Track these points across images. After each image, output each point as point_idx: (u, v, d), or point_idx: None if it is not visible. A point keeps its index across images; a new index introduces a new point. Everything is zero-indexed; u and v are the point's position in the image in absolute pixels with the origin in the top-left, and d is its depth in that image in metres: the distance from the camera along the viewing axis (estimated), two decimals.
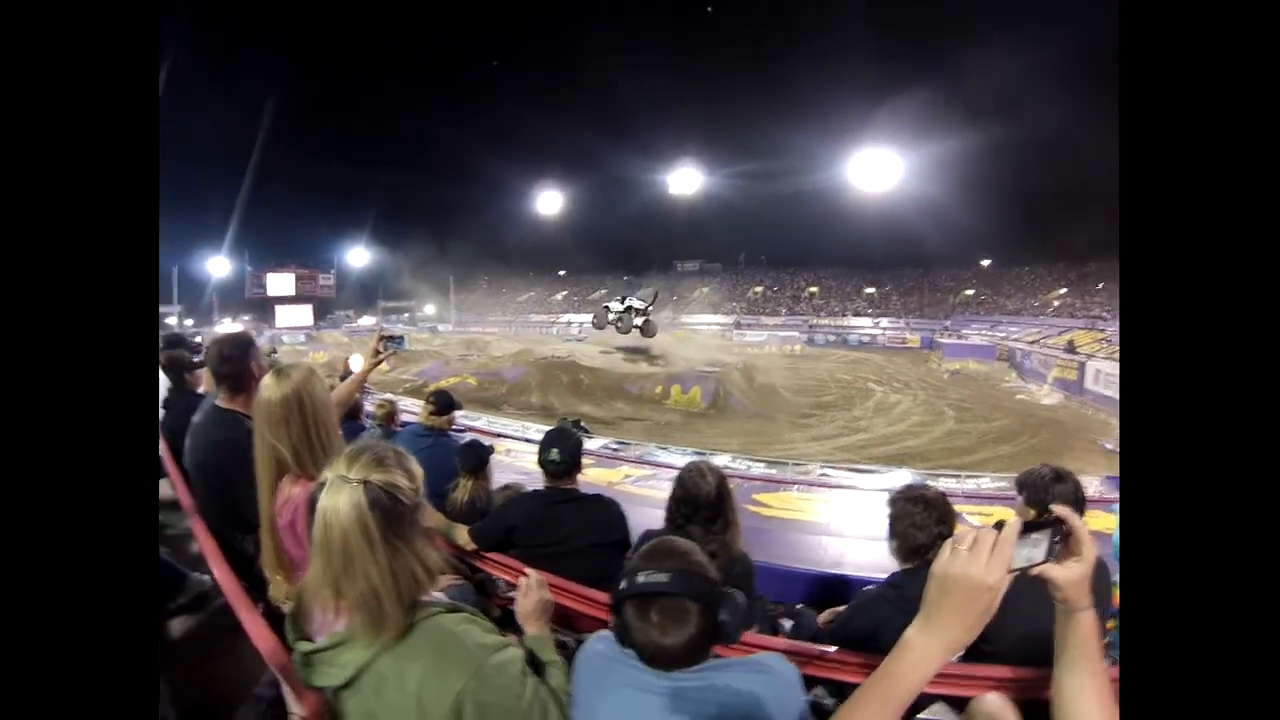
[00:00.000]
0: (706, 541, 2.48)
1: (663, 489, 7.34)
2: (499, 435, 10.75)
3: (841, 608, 2.91)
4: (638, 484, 7.71)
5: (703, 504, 2.58)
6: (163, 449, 4.03)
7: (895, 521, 2.48)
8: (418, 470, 1.40)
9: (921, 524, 2.39)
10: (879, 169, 49.95)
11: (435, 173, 77.21)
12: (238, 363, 2.72)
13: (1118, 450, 9.77)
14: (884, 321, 49.93)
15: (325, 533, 1.25)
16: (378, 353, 3.18)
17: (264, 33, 66.14)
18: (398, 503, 1.28)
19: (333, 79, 76.19)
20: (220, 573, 2.17)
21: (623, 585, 1.42)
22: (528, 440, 10.98)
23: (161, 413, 4.77)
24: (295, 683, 1.43)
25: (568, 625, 2.60)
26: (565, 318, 59.28)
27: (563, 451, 3.00)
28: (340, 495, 1.25)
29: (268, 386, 2.01)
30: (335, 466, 1.30)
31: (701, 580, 1.39)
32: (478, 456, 3.98)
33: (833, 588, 4.13)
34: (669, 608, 1.35)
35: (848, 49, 53.03)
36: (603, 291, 64.90)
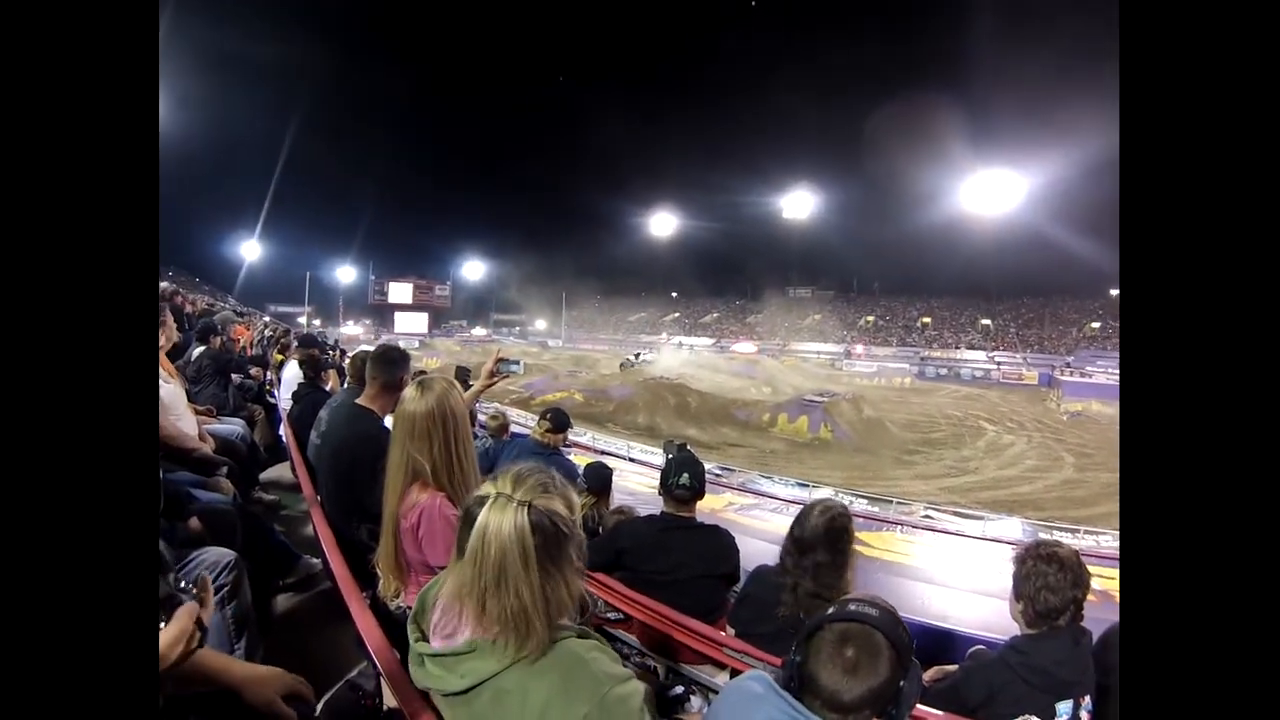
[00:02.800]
0: (827, 580, 2.41)
1: (767, 519, 7.27)
2: (602, 452, 10.81)
3: (951, 667, 2.70)
4: (740, 512, 7.60)
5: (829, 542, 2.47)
6: (288, 435, 4.28)
7: (1023, 581, 2.26)
8: (576, 500, 1.41)
9: (1055, 586, 2.18)
10: (997, 191, 47.83)
11: (551, 194, 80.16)
12: (400, 366, 2.91)
13: None
14: (999, 355, 47.58)
15: (482, 546, 1.26)
16: (494, 374, 3.31)
17: (391, 69, 71.07)
18: (558, 529, 1.30)
19: (450, 106, 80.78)
20: (337, 565, 2.24)
21: (830, 611, 1.39)
22: (631, 459, 11.01)
23: (289, 404, 5.11)
24: (400, 681, 1.45)
25: (668, 655, 2.56)
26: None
27: (693, 478, 2.95)
28: (504, 514, 1.27)
29: (411, 399, 2.05)
30: (500, 484, 1.32)
31: (905, 633, 1.35)
32: (602, 477, 4.04)
33: (936, 643, 3.79)
34: (868, 644, 1.30)
35: (967, 67, 51.42)
36: (714, 315, 65.16)
